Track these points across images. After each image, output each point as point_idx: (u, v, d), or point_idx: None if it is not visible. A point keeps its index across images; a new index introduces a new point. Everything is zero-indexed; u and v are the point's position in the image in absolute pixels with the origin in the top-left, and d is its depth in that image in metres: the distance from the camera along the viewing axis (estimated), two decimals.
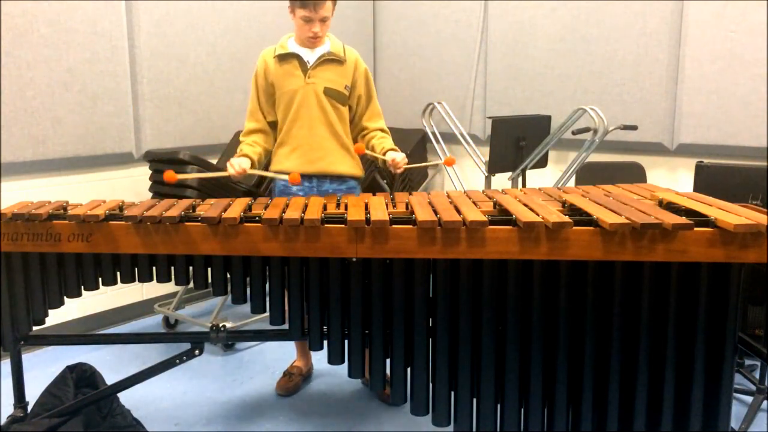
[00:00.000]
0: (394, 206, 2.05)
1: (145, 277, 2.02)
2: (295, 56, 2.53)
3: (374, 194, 2.24)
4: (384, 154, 2.53)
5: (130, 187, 3.55)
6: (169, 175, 2.21)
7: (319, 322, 1.96)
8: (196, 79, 3.79)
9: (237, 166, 2.39)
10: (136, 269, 2.02)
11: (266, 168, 2.66)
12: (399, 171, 2.50)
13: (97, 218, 1.91)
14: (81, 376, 2.38)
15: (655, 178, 3.70)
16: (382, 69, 4.74)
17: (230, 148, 3.74)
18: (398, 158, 2.47)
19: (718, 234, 1.70)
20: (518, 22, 4.10)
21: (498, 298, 1.83)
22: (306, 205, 2.00)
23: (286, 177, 2.35)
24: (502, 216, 1.84)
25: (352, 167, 2.61)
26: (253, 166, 2.49)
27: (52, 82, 3.20)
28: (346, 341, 1.96)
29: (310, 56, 2.53)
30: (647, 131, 3.72)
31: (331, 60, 2.54)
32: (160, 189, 3.23)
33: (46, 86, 3.18)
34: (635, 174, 3.46)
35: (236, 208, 1.99)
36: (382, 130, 2.65)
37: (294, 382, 2.86)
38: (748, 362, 2.94)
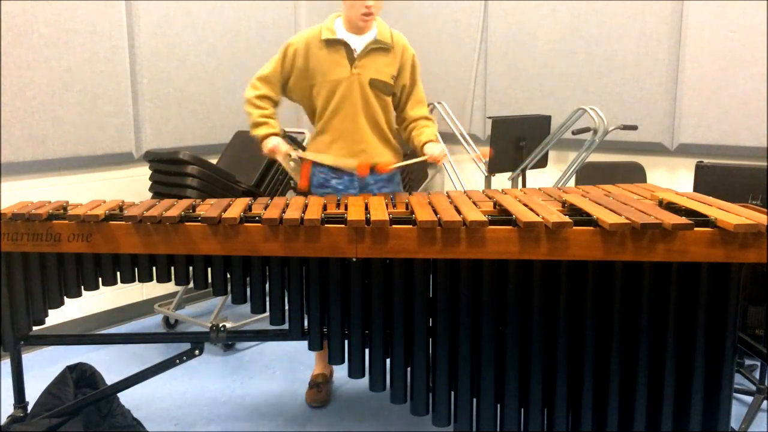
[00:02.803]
0: (394, 206, 2.05)
1: (145, 277, 2.02)
2: (342, 43, 2.42)
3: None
4: (421, 149, 2.45)
5: (130, 187, 3.55)
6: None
7: (319, 322, 1.96)
8: (196, 79, 3.79)
9: (282, 148, 2.38)
10: (136, 269, 2.02)
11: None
12: (438, 164, 2.42)
13: (97, 218, 1.91)
14: (81, 376, 2.38)
15: (655, 178, 3.70)
16: None
17: (230, 148, 3.75)
18: (436, 153, 2.39)
19: (718, 234, 1.70)
20: (518, 22, 4.10)
21: (498, 298, 1.83)
22: (306, 205, 2.00)
23: (354, 166, 2.33)
24: (502, 216, 1.84)
25: (392, 158, 2.53)
26: None
27: (52, 82, 3.20)
28: (346, 341, 1.96)
29: (357, 43, 2.42)
30: (647, 131, 3.72)
31: (378, 48, 2.44)
32: (160, 189, 3.23)
33: (46, 86, 3.18)
34: (635, 174, 3.45)
35: (236, 208, 1.99)
36: (426, 118, 2.56)
37: (324, 392, 2.77)
38: (748, 362, 2.94)
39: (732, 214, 1.76)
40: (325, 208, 2.00)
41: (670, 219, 1.71)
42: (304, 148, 2.69)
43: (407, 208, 2.00)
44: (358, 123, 2.46)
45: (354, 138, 2.47)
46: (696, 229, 1.70)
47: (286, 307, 1.98)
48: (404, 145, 2.64)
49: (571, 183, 3.49)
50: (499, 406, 1.90)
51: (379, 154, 2.50)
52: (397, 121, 2.61)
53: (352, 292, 1.91)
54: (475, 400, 1.90)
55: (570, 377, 1.85)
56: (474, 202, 2.01)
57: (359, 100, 2.44)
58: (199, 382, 2.97)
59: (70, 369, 2.36)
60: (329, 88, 2.45)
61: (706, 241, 1.70)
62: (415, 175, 4.38)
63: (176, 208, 2.00)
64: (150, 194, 3.27)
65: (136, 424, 2.43)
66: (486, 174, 3.64)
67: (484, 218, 1.77)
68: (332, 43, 2.43)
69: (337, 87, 2.44)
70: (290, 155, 2.42)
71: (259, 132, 2.46)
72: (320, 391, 2.78)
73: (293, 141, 3.59)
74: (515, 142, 3.53)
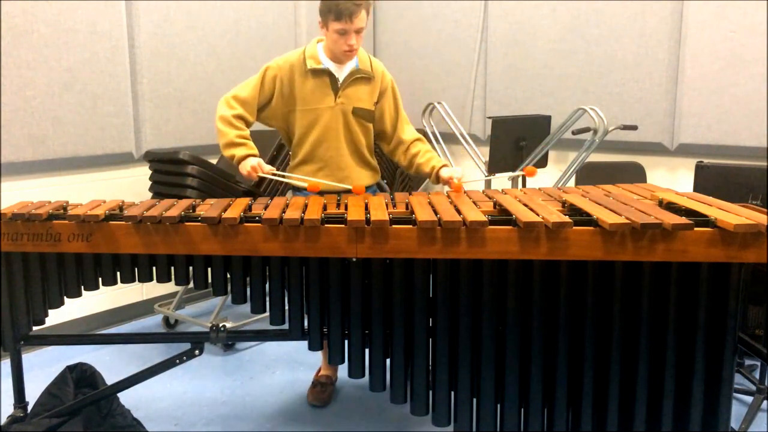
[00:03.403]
0: (394, 206, 2.05)
1: (145, 277, 2.02)
2: (327, 73, 2.44)
3: (374, 194, 2.24)
4: (436, 175, 2.43)
5: (130, 187, 3.55)
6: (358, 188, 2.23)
7: (319, 322, 1.96)
8: (196, 79, 3.79)
9: (258, 168, 2.32)
10: (136, 269, 2.02)
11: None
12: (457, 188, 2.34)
13: (97, 218, 1.91)
14: (81, 376, 2.38)
15: (655, 178, 3.70)
16: None
17: None
18: (456, 176, 2.35)
19: (718, 234, 1.70)
20: (518, 22, 4.10)
21: (498, 298, 1.83)
22: (306, 205, 2.00)
23: (305, 185, 2.31)
24: (502, 216, 1.84)
25: (370, 178, 2.59)
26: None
27: (52, 82, 3.20)
28: (346, 341, 1.96)
29: (340, 73, 2.45)
30: (647, 131, 3.72)
31: (360, 78, 2.48)
32: (160, 189, 3.23)
33: (46, 86, 3.18)
34: (635, 174, 3.46)
35: (236, 208, 1.99)
36: (420, 140, 2.58)
37: (327, 392, 2.78)
38: (748, 362, 2.94)
39: (732, 214, 1.76)
40: (325, 208, 2.00)
41: (670, 219, 1.71)
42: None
43: (407, 208, 2.00)
44: (341, 151, 2.49)
45: (339, 165, 2.49)
46: (696, 229, 1.70)
47: (286, 307, 1.98)
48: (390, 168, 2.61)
49: (571, 183, 3.49)
50: (499, 406, 1.90)
51: (359, 178, 2.52)
52: (390, 146, 2.61)
53: (352, 292, 1.91)
54: (475, 400, 1.90)
55: (570, 377, 1.85)
56: (474, 202, 2.01)
57: (342, 129, 2.48)
58: (199, 382, 2.97)
59: (70, 369, 2.36)
60: (312, 117, 2.46)
61: (706, 241, 1.70)
62: (415, 175, 4.38)
63: (176, 208, 2.00)
64: (150, 194, 3.27)
65: (136, 424, 2.43)
66: (486, 174, 3.64)
67: (484, 218, 1.77)
68: (317, 73, 2.44)
69: (320, 116, 2.45)
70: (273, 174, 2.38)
71: (238, 152, 2.37)
72: (323, 391, 2.78)
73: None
74: (515, 142, 3.53)
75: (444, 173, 2.41)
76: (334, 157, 2.49)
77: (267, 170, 2.34)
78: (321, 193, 2.25)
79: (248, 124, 2.46)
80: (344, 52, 2.39)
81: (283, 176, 2.48)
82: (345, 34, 2.33)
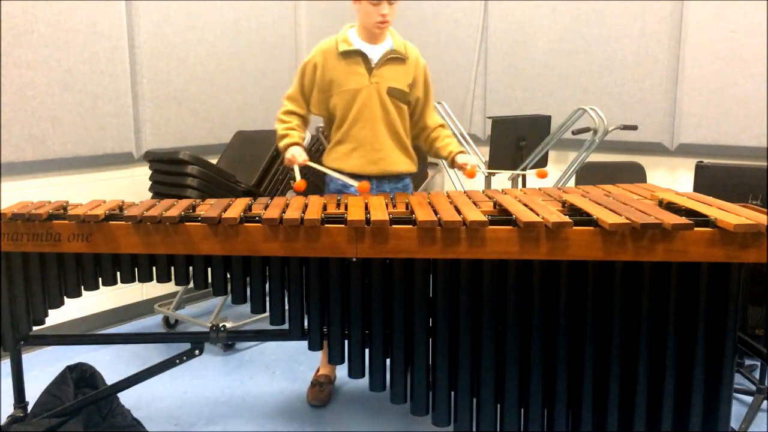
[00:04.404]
0: (394, 206, 2.05)
1: (145, 277, 2.02)
2: (359, 53, 2.46)
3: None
4: (452, 159, 2.50)
5: (130, 187, 3.55)
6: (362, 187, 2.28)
7: (319, 322, 1.96)
8: (196, 79, 3.79)
9: (299, 158, 2.40)
10: (136, 269, 2.02)
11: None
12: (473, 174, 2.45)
13: (97, 218, 1.91)
14: (81, 376, 2.38)
15: (655, 178, 3.70)
16: None
17: (230, 148, 3.75)
18: (470, 162, 2.44)
19: (718, 234, 1.70)
20: (518, 22, 4.10)
21: (498, 298, 1.83)
22: (306, 205, 2.00)
23: (354, 183, 2.36)
24: (502, 216, 1.84)
25: (409, 165, 2.60)
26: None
27: (52, 82, 3.20)
28: (346, 341, 1.96)
29: (374, 53, 2.47)
30: (647, 131, 3.72)
31: (394, 58, 2.49)
32: (160, 189, 3.23)
33: (46, 86, 3.18)
34: (635, 174, 3.46)
35: (236, 208, 1.99)
36: (442, 126, 2.63)
37: (326, 392, 2.79)
38: (748, 362, 2.94)
39: (732, 214, 1.76)
40: (325, 208, 2.00)
41: (670, 219, 1.71)
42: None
43: (407, 208, 2.00)
44: (377, 131, 2.49)
45: (374, 146, 2.50)
46: (696, 229, 1.70)
47: (286, 307, 1.98)
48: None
49: (571, 183, 3.49)
50: (499, 406, 1.90)
51: (396, 161, 2.55)
52: (413, 130, 2.66)
53: (352, 292, 1.91)
54: (475, 400, 1.90)
55: (570, 377, 1.85)
56: (474, 202, 2.01)
57: (378, 108, 2.48)
58: (199, 382, 2.97)
59: (70, 369, 2.36)
60: (348, 97, 2.48)
61: (706, 241, 1.70)
62: (415, 175, 4.38)
63: (176, 208, 2.00)
64: (150, 194, 3.27)
65: (136, 424, 2.43)
66: (486, 174, 3.64)
67: (484, 218, 1.77)
68: (349, 54, 2.47)
69: (356, 96, 2.47)
70: (308, 164, 2.45)
71: (281, 144, 2.52)
72: (322, 390, 2.78)
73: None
74: (515, 142, 3.53)
75: (459, 159, 2.47)
76: (369, 137, 2.49)
77: (300, 160, 2.40)
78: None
79: (301, 117, 2.57)
80: (376, 24, 2.39)
81: (321, 166, 2.52)
82: (378, 5, 2.34)
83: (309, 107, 2.58)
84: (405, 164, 2.58)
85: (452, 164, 2.52)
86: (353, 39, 2.49)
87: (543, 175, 2.46)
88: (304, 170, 2.49)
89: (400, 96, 2.51)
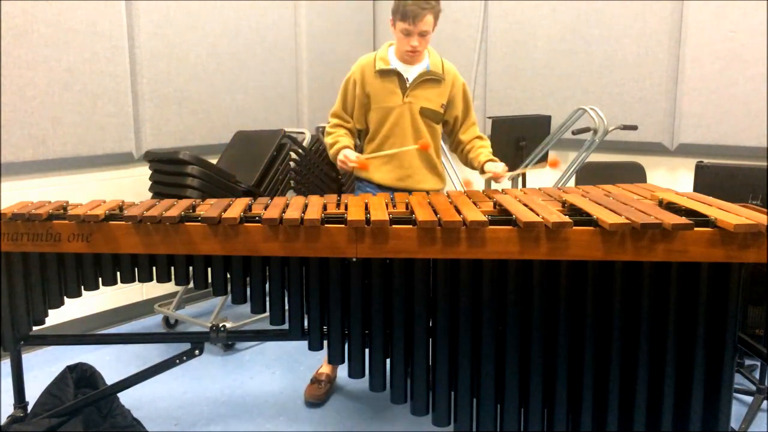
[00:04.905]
0: (394, 206, 2.05)
1: (145, 277, 2.02)
2: (396, 73, 2.53)
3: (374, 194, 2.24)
4: (481, 168, 2.54)
5: (130, 187, 3.55)
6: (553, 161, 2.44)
7: (319, 322, 1.96)
8: (196, 79, 3.79)
9: (346, 160, 2.44)
10: (136, 269, 2.02)
11: (351, 173, 2.73)
12: (500, 182, 2.51)
13: (97, 218, 1.91)
14: (81, 376, 2.38)
15: (655, 178, 3.70)
16: None
17: (230, 148, 3.75)
18: (498, 170, 2.46)
19: (718, 234, 1.70)
20: (518, 22, 4.10)
21: (498, 298, 1.83)
22: (306, 205, 2.00)
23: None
24: (502, 216, 1.84)
25: (435, 183, 2.65)
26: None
27: (52, 82, 3.20)
28: (346, 341, 1.96)
29: (409, 73, 2.53)
30: (647, 131, 3.72)
31: (429, 79, 2.54)
32: (160, 189, 3.23)
33: (46, 86, 3.18)
34: (635, 174, 3.46)
35: (236, 208, 1.99)
36: (479, 137, 2.67)
37: (324, 390, 2.79)
38: (748, 362, 2.94)
39: (732, 214, 1.76)
40: (325, 208, 2.00)
41: (670, 219, 1.71)
42: None
43: (407, 208, 2.00)
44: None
45: (402, 163, 2.58)
46: (696, 229, 1.70)
47: (286, 307, 1.98)
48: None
49: (571, 183, 3.49)
50: (499, 406, 1.90)
51: (423, 180, 2.62)
52: (452, 146, 2.72)
53: (352, 292, 1.91)
54: (475, 400, 1.90)
55: (570, 377, 1.85)
56: (474, 202, 2.01)
57: (409, 127, 2.55)
58: (199, 382, 2.97)
59: (70, 369, 2.36)
60: (382, 113, 2.55)
61: (706, 241, 1.70)
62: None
63: (176, 208, 2.00)
64: (150, 194, 3.27)
65: (136, 424, 2.43)
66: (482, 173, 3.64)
67: (484, 218, 1.77)
68: (386, 73, 2.53)
69: (389, 113, 2.54)
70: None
71: (331, 151, 2.55)
72: (320, 388, 2.79)
73: (294, 142, 3.59)
74: (515, 142, 3.53)
75: (487, 167, 2.51)
76: (399, 154, 2.55)
77: (354, 158, 2.44)
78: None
79: (349, 129, 2.62)
80: (406, 52, 2.47)
81: (376, 156, 2.56)
82: (408, 35, 2.42)
83: (353, 120, 2.63)
84: (431, 182, 2.64)
85: (482, 172, 2.56)
86: (391, 58, 2.56)
87: (555, 164, 2.51)
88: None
89: (433, 116, 2.58)
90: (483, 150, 2.61)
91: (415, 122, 2.55)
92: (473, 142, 2.65)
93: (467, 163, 2.68)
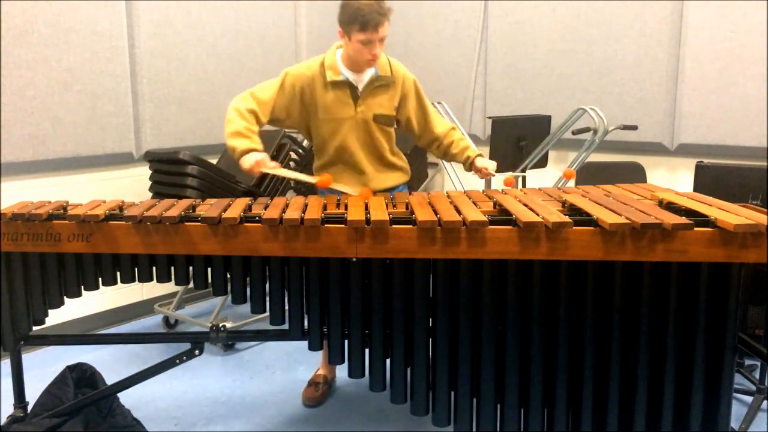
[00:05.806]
0: (394, 206, 2.05)
1: (145, 277, 2.02)
2: (347, 84, 2.42)
3: (375, 194, 2.24)
4: (470, 163, 2.50)
5: (130, 187, 3.55)
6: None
7: (319, 322, 1.96)
8: (196, 79, 3.79)
9: (263, 164, 2.24)
10: (136, 269, 2.02)
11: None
12: (487, 178, 2.48)
13: (97, 218, 1.91)
14: (81, 376, 2.38)
15: (655, 178, 3.70)
16: None
17: None
18: (490, 167, 2.44)
19: (718, 234, 1.70)
20: (518, 22, 4.10)
21: (498, 298, 1.83)
22: (306, 205, 2.00)
23: (313, 180, 2.33)
24: (502, 216, 1.84)
25: (398, 178, 2.61)
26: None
27: (52, 82, 3.20)
28: (346, 341, 1.96)
29: (360, 82, 2.43)
30: (647, 131, 3.72)
31: (380, 85, 2.46)
32: (160, 189, 3.23)
33: (46, 86, 3.18)
34: (635, 174, 3.46)
35: (236, 208, 1.99)
36: (453, 129, 2.60)
37: (321, 392, 2.79)
38: (748, 362, 2.94)
39: (732, 214, 1.76)
40: (325, 208, 2.00)
41: (670, 219, 1.71)
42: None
43: (407, 208, 2.00)
44: (360, 157, 2.50)
45: (356, 170, 2.52)
46: (696, 229, 1.70)
47: (286, 307, 1.98)
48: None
49: (571, 183, 3.49)
50: (499, 406, 1.90)
51: (383, 180, 2.56)
52: (423, 142, 2.63)
53: (352, 292, 1.91)
54: (475, 400, 1.90)
55: (570, 377, 1.85)
56: (474, 202, 2.01)
57: (362, 136, 2.49)
58: (199, 382, 2.97)
59: (70, 369, 2.36)
60: (334, 125, 2.46)
61: (706, 241, 1.70)
62: (415, 175, 4.38)
63: (176, 208, 2.00)
64: (150, 194, 3.27)
65: (136, 424, 2.43)
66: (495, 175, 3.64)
67: (484, 218, 1.77)
68: (337, 84, 2.42)
69: (341, 125, 2.45)
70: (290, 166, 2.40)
71: (241, 145, 2.25)
72: (317, 390, 2.79)
73: (294, 142, 3.58)
74: (515, 142, 3.53)
75: (478, 163, 2.47)
76: (352, 162, 2.51)
77: (272, 166, 2.27)
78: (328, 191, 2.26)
79: (259, 123, 2.40)
80: (368, 61, 2.37)
81: (288, 174, 2.49)
82: (369, 44, 2.30)
83: (268, 119, 2.45)
84: (392, 179, 2.59)
85: (470, 168, 2.51)
86: (340, 66, 2.42)
87: (571, 176, 2.51)
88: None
89: (386, 120, 2.51)
90: (466, 144, 2.55)
91: (368, 130, 2.47)
92: (450, 135, 2.57)
93: (448, 158, 2.60)
